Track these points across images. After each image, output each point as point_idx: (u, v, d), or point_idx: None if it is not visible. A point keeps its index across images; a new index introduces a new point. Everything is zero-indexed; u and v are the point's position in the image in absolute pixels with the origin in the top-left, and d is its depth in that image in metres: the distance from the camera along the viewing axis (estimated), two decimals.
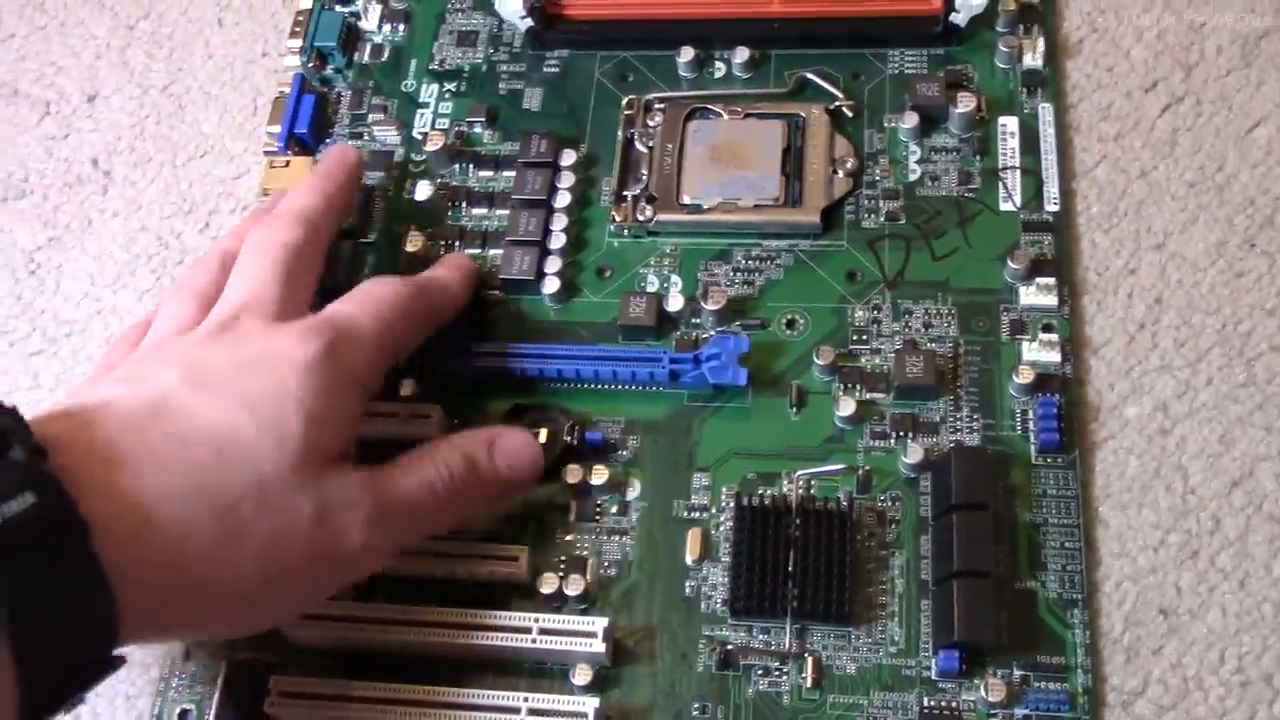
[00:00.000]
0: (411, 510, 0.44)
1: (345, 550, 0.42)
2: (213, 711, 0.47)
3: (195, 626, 0.43)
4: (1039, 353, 0.50)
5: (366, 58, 0.62)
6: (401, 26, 0.62)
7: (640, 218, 0.55)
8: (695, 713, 0.45)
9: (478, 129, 0.59)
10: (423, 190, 0.56)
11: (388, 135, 0.59)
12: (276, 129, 0.58)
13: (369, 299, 0.47)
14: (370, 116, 0.60)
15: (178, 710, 0.48)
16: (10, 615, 0.33)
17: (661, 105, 0.57)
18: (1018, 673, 0.45)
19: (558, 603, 0.48)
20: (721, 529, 0.48)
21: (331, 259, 0.55)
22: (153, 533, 0.37)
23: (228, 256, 0.48)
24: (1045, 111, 0.55)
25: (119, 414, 0.39)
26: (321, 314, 0.46)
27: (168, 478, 0.38)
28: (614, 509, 0.49)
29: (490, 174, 0.57)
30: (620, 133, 0.57)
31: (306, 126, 0.58)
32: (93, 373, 0.48)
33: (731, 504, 0.48)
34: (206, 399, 0.40)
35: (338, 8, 0.62)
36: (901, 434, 0.49)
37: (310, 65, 0.61)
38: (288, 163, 0.57)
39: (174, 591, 0.38)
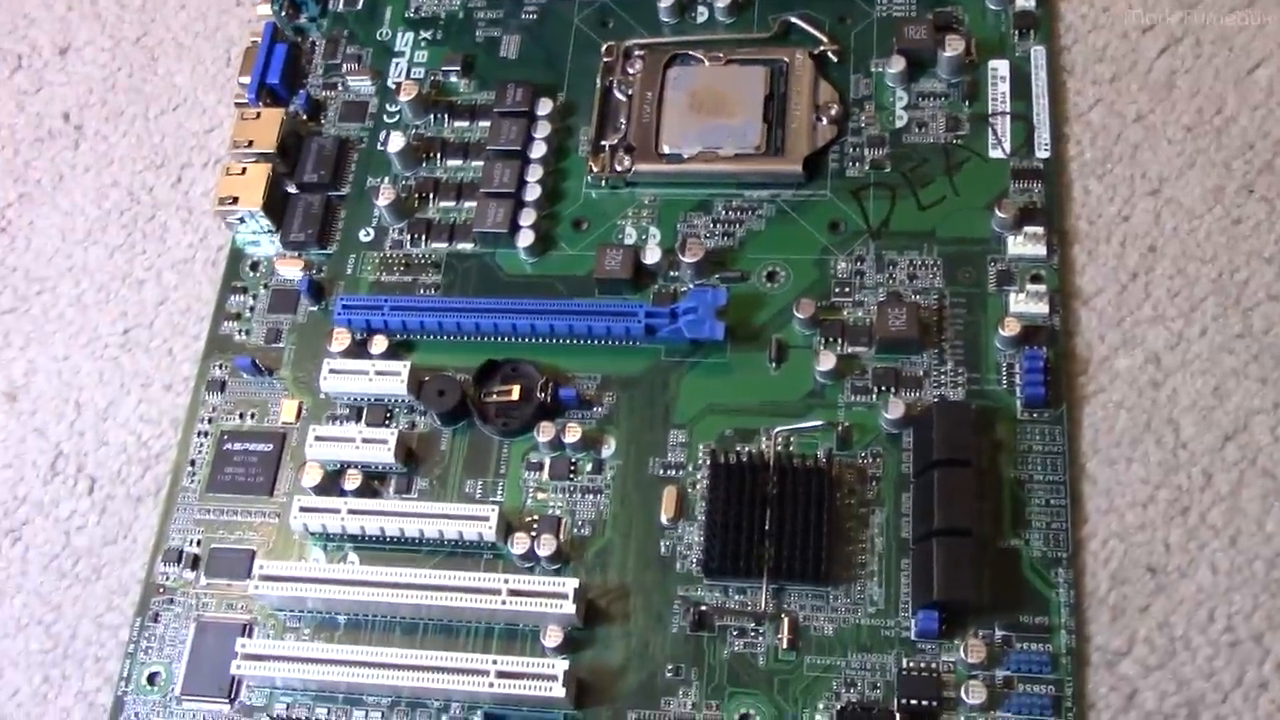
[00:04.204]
0: None
1: None
2: (181, 674, 0.47)
3: None
4: (1026, 304, 0.49)
5: (341, 5, 0.60)
6: None
7: (618, 168, 0.53)
8: (669, 674, 0.44)
9: (453, 78, 0.57)
10: (395, 142, 0.55)
11: (362, 85, 0.58)
12: (247, 80, 0.57)
13: None
14: (344, 66, 0.58)
15: (146, 673, 0.47)
16: None
17: (641, 52, 0.56)
18: (999, 633, 0.43)
19: (530, 563, 0.47)
20: (698, 487, 0.47)
21: (305, 212, 0.54)
22: None
23: None
24: (1038, 54, 0.53)
25: None
26: None
27: None
28: (588, 467, 0.48)
29: (466, 124, 0.56)
30: (599, 80, 0.56)
31: (278, 77, 0.57)
32: None
33: (707, 461, 0.47)
34: None
35: None
36: (884, 389, 0.48)
37: (284, 14, 0.59)
38: (259, 114, 0.55)
39: None
